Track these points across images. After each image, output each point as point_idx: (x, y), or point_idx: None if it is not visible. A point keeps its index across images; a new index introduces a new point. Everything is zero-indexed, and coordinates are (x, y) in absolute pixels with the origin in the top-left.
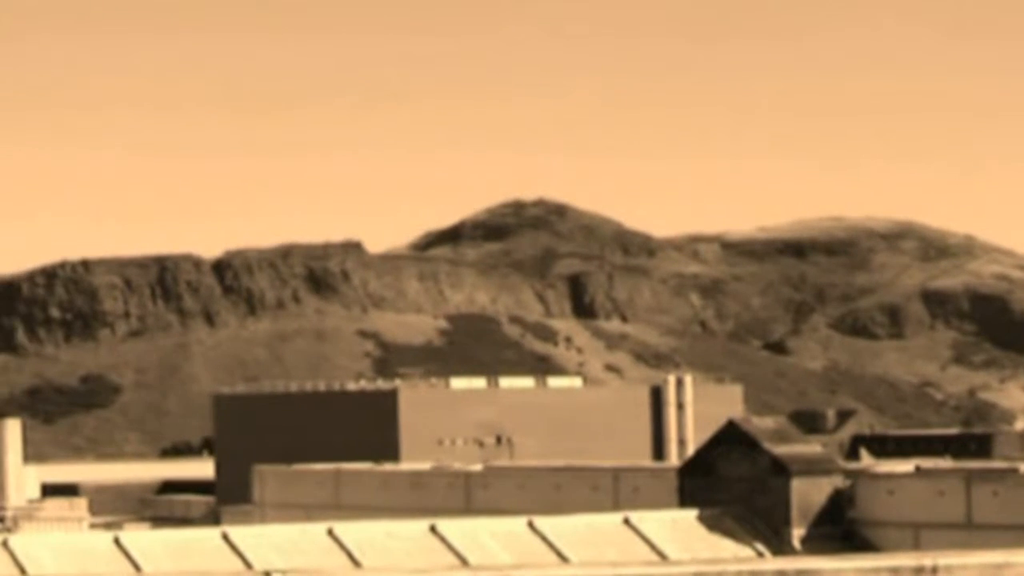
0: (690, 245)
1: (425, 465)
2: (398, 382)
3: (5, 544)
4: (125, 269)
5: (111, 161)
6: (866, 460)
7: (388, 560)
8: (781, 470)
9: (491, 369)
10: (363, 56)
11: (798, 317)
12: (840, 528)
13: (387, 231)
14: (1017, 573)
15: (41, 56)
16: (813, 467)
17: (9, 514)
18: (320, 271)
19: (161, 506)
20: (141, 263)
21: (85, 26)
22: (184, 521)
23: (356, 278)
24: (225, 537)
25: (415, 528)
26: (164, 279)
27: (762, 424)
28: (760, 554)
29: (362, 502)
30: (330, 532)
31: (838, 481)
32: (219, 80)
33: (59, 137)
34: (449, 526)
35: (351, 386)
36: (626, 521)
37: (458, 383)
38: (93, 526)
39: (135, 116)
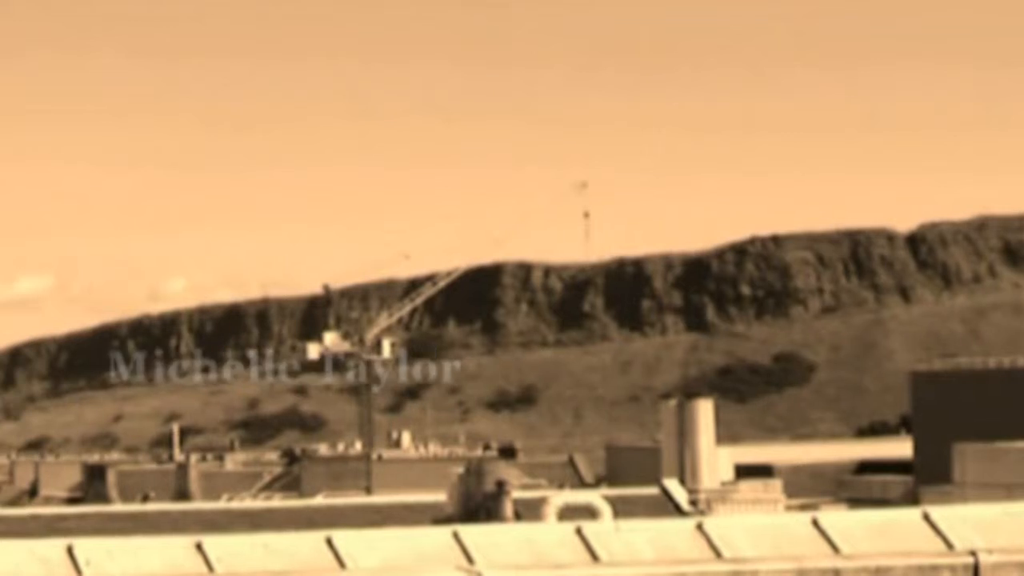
0: None
1: None
2: None
3: (700, 527)
4: (817, 244)
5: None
6: None
7: None
8: None
9: None
10: None
11: None
12: None
13: None
14: None
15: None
16: None
17: (703, 497)
18: (1016, 244)
19: (858, 487)
20: (833, 238)
21: None
22: (882, 502)
23: None
24: (926, 517)
25: None
26: (857, 254)
27: None
28: None
29: None
30: None
31: None
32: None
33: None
34: None
35: None
36: None
37: None
38: (788, 508)
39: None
